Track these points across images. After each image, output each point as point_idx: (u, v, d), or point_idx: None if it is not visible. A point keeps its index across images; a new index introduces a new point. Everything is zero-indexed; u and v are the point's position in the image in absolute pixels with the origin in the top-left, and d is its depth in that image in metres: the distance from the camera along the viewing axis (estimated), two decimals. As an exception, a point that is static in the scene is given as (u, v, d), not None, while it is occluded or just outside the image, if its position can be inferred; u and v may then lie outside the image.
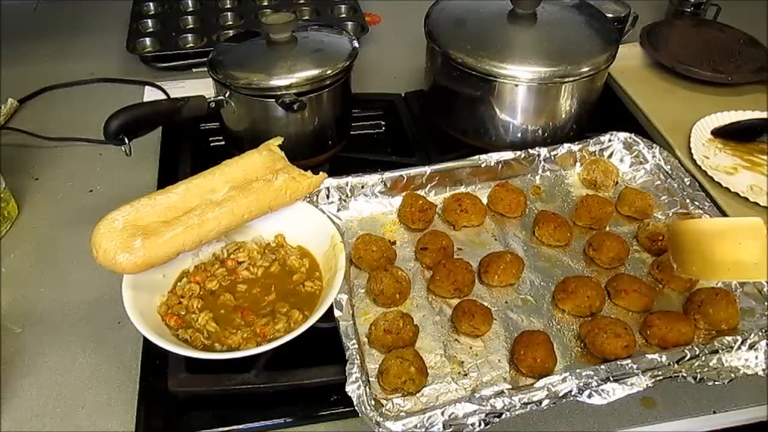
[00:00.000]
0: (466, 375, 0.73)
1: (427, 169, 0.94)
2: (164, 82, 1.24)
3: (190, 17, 1.39)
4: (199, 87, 1.15)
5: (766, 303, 0.79)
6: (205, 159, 0.92)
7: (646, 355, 0.71)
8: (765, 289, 0.80)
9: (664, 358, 0.70)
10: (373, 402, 0.67)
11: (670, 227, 0.82)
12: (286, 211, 0.84)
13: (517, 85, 0.95)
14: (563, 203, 0.96)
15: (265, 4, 1.44)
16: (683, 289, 0.83)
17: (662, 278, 0.84)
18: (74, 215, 0.98)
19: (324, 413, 0.73)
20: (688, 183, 0.94)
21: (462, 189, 0.96)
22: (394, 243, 0.89)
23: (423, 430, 0.64)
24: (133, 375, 0.77)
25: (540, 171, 0.99)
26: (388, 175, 0.93)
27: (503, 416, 0.66)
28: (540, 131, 1.01)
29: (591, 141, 1.00)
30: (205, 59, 0.97)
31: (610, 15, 1.20)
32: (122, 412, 0.74)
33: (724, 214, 0.91)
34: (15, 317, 0.84)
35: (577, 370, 0.69)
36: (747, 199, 0.94)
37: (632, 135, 1.00)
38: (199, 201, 0.78)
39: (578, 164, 1.00)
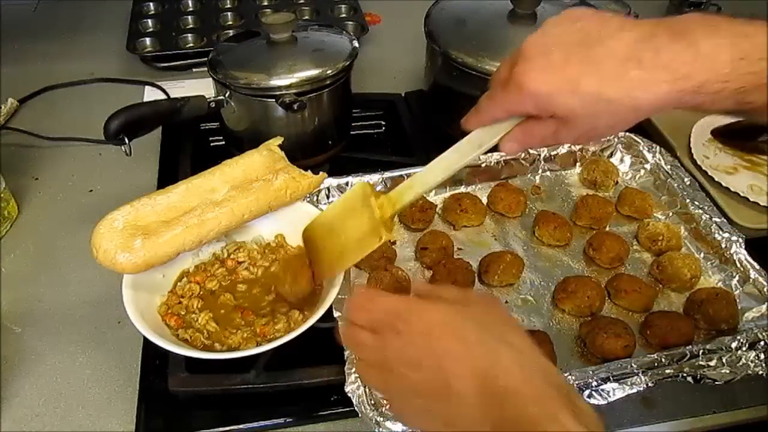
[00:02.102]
0: (466, 375, 0.73)
1: (427, 169, 0.94)
2: (164, 82, 1.24)
3: (190, 17, 1.40)
4: (199, 87, 1.15)
5: (766, 303, 0.79)
6: (205, 159, 0.92)
7: (646, 355, 0.71)
8: (765, 289, 0.80)
9: (663, 358, 0.70)
10: (372, 402, 0.67)
11: (302, 237, 0.76)
12: (286, 211, 0.84)
13: (517, 85, 0.95)
14: (563, 203, 0.96)
15: (265, 3, 1.44)
16: (683, 289, 0.83)
17: (662, 278, 0.84)
18: (74, 215, 0.98)
19: (324, 413, 0.73)
20: (688, 183, 0.94)
21: (462, 189, 0.96)
22: (394, 243, 0.89)
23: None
24: (133, 375, 0.77)
25: (540, 171, 0.99)
26: (388, 174, 0.93)
27: (503, 416, 0.66)
28: (540, 131, 1.01)
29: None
30: (205, 59, 0.97)
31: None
32: (122, 412, 0.74)
33: (724, 213, 0.91)
34: (15, 317, 0.84)
35: (577, 370, 0.69)
36: (747, 199, 0.94)
37: (632, 135, 1.00)
38: (199, 201, 0.78)
39: (578, 164, 1.00)
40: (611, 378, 0.68)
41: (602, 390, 0.68)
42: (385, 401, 0.67)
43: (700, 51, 0.48)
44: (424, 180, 0.66)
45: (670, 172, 0.96)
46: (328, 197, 0.92)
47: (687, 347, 0.72)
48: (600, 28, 0.51)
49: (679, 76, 0.48)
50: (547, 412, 0.46)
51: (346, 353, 0.70)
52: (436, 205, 0.93)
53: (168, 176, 0.99)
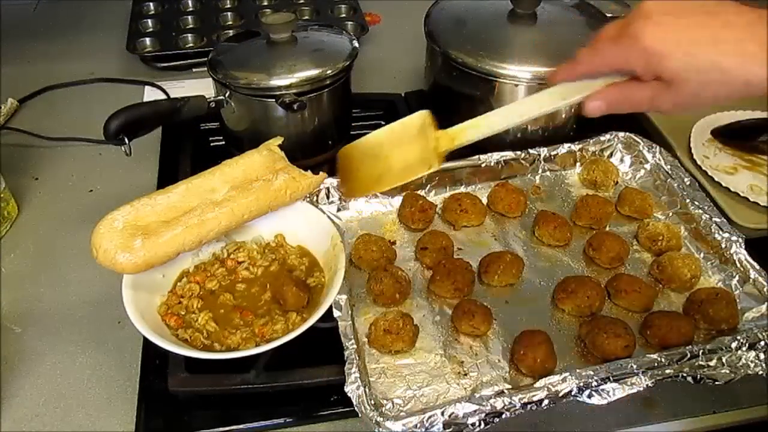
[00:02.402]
0: (466, 375, 0.73)
1: (427, 169, 0.94)
2: (164, 82, 1.24)
3: (190, 17, 1.39)
4: (199, 87, 1.15)
5: (766, 303, 0.79)
6: (205, 159, 0.92)
7: (646, 355, 0.71)
8: (765, 289, 0.80)
9: (663, 358, 0.70)
10: (373, 402, 0.67)
11: (339, 154, 0.73)
12: (286, 210, 0.84)
13: (517, 85, 0.95)
14: (563, 203, 0.96)
15: (265, 3, 1.44)
16: (683, 289, 0.83)
17: (662, 278, 0.84)
18: (74, 215, 0.98)
19: (324, 413, 0.73)
20: (688, 183, 0.94)
21: (462, 189, 0.96)
22: (394, 243, 0.89)
23: (423, 429, 0.64)
24: (133, 375, 0.77)
25: (540, 171, 0.99)
26: (388, 174, 0.93)
27: (503, 416, 0.66)
28: (540, 131, 1.01)
29: (591, 141, 1.00)
30: (205, 59, 0.97)
31: (610, 15, 1.20)
32: (122, 412, 0.74)
33: (724, 213, 0.91)
34: (15, 317, 0.84)
35: (577, 370, 0.69)
36: (747, 199, 0.94)
37: (632, 135, 1.00)
38: (199, 201, 0.78)
39: (578, 164, 1.00)
40: (611, 378, 0.69)
41: (602, 390, 0.68)
42: (385, 401, 0.67)
43: None
44: (492, 121, 0.63)
45: (670, 172, 0.96)
46: (328, 197, 0.92)
47: (687, 347, 0.72)
48: (718, 2, 0.53)
49: None
50: None
51: (346, 353, 0.70)
52: (436, 205, 0.93)
53: (168, 176, 0.99)
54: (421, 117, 0.66)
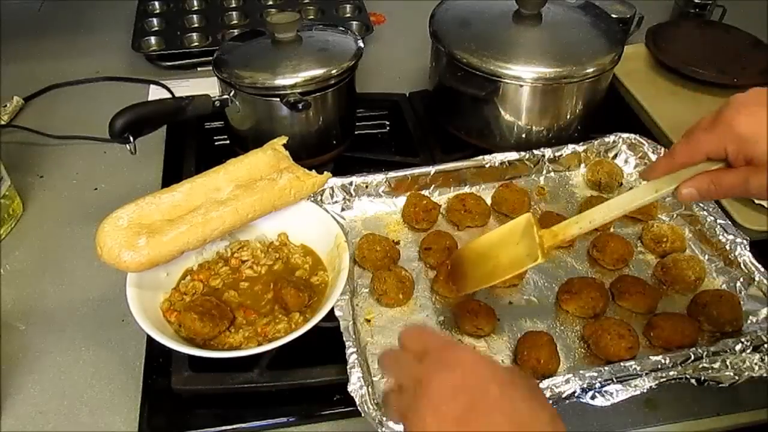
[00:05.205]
0: (469, 375, 0.73)
1: (431, 169, 0.94)
2: (169, 81, 1.24)
3: (195, 16, 1.40)
4: (204, 86, 1.15)
5: (770, 305, 0.79)
6: (209, 158, 0.92)
7: (650, 357, 0.71)
8: (770, 292, 0.80)
9: (667, 360, 0.70)
10: (375, 402, 0.67)
11: (452, 257, 0.81)
12: (290, 210, 0.84)
13: (521, 86, 0.95)
14: (567, 204, 0.96)
15: (270, 3, 1.44)
16: (687, 290, 0.83)
17: (666, 280, 0.83)
18: (79, 213, 0.98)
19: (326, 413, 0.73)
20: (692, 184, 0.93)
21: (466, 189, 0.96)
22: (397, 243, 0.89)
23: (426, 430, 0.64)
24: (136, 373, 0.77)
25: (544, 172, 0.99)
26: (392, 175, 0.93)
27: (506, 417, 0.66)
28: (544, 132, 1.01)
29: (595, 142, 1.00)
30: (210, 58, 0.97)
31: (616, 16, 1.20)
32: (125, 410, 0.74)
33: (728, 214, 0.91)
34: (19, 314, 0.84)
35: (581, 372, 0.69)
36: (752, 201, 0.94)
37: (637, 136, 1.00)
38: (203, 200, 0.78)
39: (583, 165, 1.00)
40: (615, 379, 0.68)
41: (606, 391, 0.68)
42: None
43: None
44: (591, 217, 0.69)
45: (674, 173, 0.96)
46: (332, 197, 0.92)
47: (691, 349, 0.72)
48: None
49: None
50: None
51: (349, 353, 0.70)
52: (440, 206, 0.93)
53: (172, 175, 0.99)
54: (525, 219, 0.71)
